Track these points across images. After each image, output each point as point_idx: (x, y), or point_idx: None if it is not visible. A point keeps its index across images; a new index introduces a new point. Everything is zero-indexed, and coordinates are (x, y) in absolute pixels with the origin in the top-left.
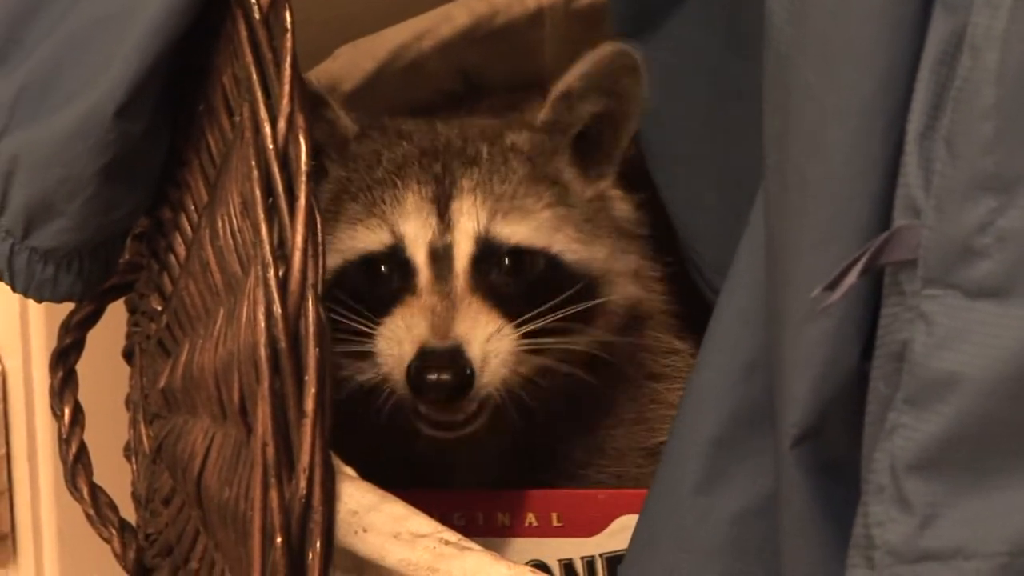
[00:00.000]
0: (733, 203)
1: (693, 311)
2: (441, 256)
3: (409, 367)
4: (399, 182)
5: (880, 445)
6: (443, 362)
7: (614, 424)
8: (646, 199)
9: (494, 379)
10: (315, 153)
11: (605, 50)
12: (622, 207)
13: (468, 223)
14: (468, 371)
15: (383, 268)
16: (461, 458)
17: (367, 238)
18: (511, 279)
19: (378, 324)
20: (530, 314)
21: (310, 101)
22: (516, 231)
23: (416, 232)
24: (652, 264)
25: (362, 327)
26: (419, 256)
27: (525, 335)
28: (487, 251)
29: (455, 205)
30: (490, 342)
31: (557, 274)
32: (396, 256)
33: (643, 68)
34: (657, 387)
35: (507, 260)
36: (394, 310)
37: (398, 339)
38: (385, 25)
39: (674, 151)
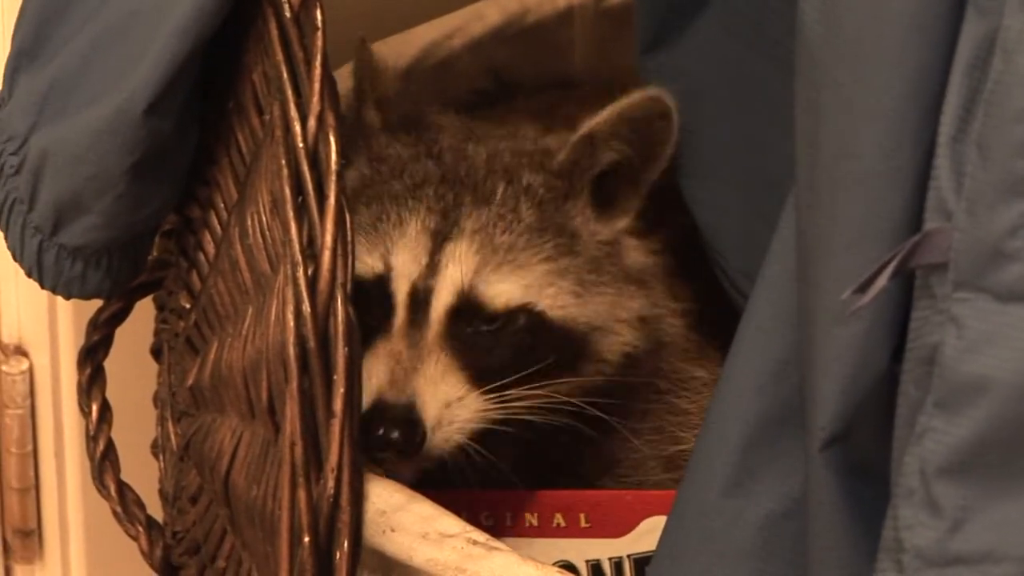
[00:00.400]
0: (759, 207)
1: (718, 335)
2: (421, 300)
3: (367, 412)
4: (411, 203)
5: (910, 448)
6: (395, 418)
7: (629, 436)
8: (663, 243)
9: (447, 444)
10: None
11: (636, 96)
12: (635, 255)
13: (455, 271)
14: (420, 432)
15: (368, 297)
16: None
17: (363, 259)
18: (488, 337)
19: None
20: (500, 379)
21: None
22: (502, 290)
23: (404, 266)
24: (667, 302)
25: None
26: (400, 293)
27: (494, 389)
28: (467, 306)
29: (449, 247)
30: (449, 407)
31: (539, 330)
32: (381, 288)
33: (675, 115)
34: (676, 401)
35: (486, 316)
36: (367, 347)
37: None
38: (416, 23)
39: (700, 156)
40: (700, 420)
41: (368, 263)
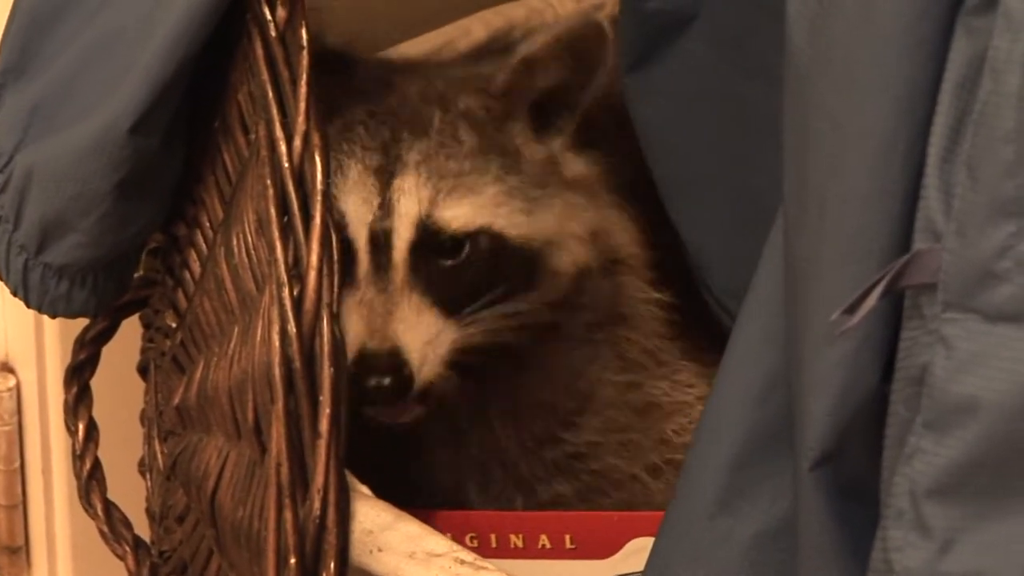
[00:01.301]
0: (744, 226)
1: (673, 261)
2: (381, 243)
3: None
4: (345, 146)
5: (900, 469)
6: (382, 366)
7: (596, 377)
8: (603, 158)
9: (432, 373)
10: None
11: (573, 20)
12: (575, 167)
13: (410, 205)
14: (408, 373)
15: None
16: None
17: None
18: (453, 263)
19: None
20: (471, 305)
21: None
22: (459, 214)
23: (357, 211)
24: (616, 215)
25: None
26: (360, 239)
27: (467, 315)
28: (428, 237)
29: (397, 183)
30: (431, 343)
31: (500, 250)
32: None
33: (610, 36)
34: (631, 336)
35: (448, 245)
36: None
37: None
38: (403, 39)
39: (684, 175)
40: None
41: None
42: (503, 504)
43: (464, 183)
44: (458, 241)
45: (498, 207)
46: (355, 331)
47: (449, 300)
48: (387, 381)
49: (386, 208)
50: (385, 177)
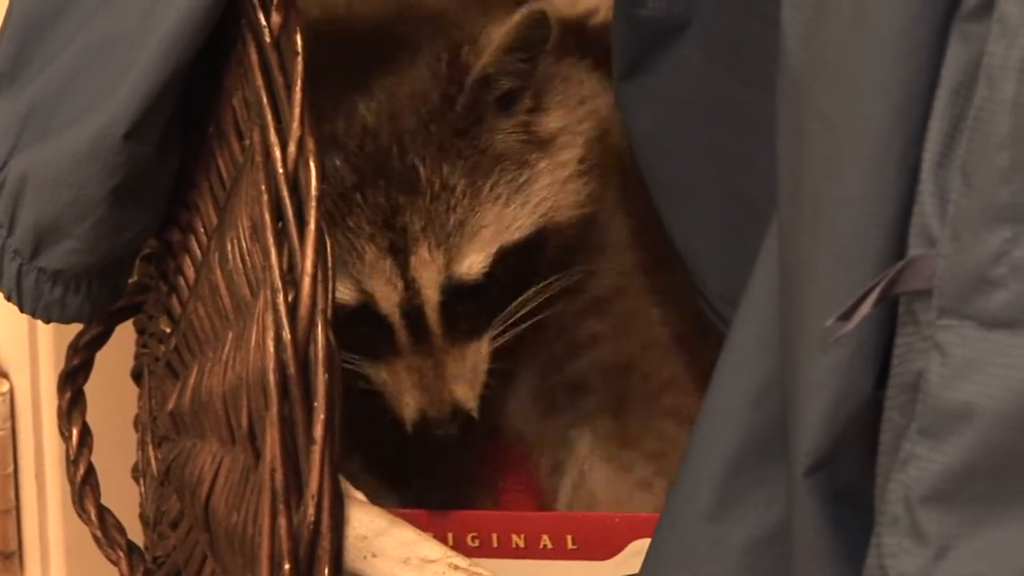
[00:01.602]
0: (738, 231)
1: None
2: (414, 316)
3: (415, 426)
4: (350, 222)
5: (894, 475)
6: (446, 422)
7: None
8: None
9: (482, 389)
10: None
11: (515, 20)
12: (545, 122)
13: (431, 276)
14: (469, 417)
15: (359, 318)
16: None
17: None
18: (480, 291)
19: (366, 360)
20: (501, 308)
21: None
22: (475, 258)
23: (383, 292)
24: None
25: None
26: (393, 316)
27: (497, 325)
28: (454, 289)
29: (413, 261)
30: (477, 374)
31: (517, 254)
32: (369, 310)
33: (551, 20)
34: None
35: (473, 284)
36: (381, 361)
37: (394, 394)
38: None
39: (678, 180)
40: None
41: (344, 290)
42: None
43: (469, 225)
44: (480, 281)
45: (504, 222)
46: (412, 397)
47: (484, 320)
48: (454, 430)
49: (410, 285)
50: (400, 257)
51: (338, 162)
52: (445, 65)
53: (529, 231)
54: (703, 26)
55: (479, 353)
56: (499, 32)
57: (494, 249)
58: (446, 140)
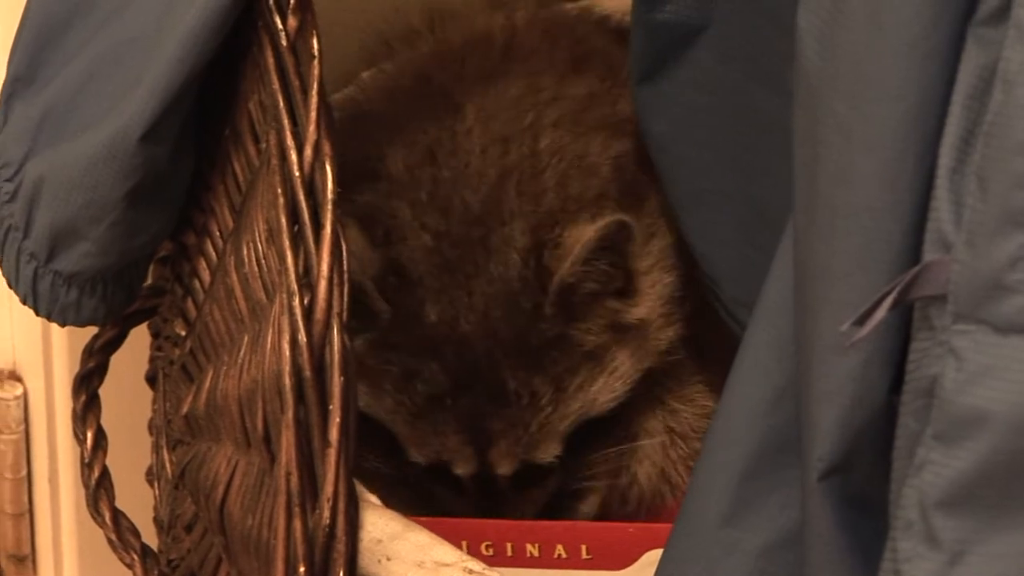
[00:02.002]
0: (754, 236)
1: None
2: (486, 481)
3: None
4: (433, 415)
5: (909, 481)
6: None
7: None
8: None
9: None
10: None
11: (595, 232)
12: (632, 312)
13: (508, 463)
14: None
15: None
16: None
17: (407, 447)
18: (553, 473)
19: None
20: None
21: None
22: (552, 448)
23: (459, 464)
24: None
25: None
26: (465, 479)
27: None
28: (527, 471)
29: (493, 452)
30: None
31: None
32: (440, 466)
33: (635, 230)
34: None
35: (548, 470)
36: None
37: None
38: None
39: (694, 185)
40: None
41: (420, 458)
42: None
43: (552, 423)
44: (553, 465)
45: (585, 408)
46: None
47: (553, 478)
48: None
49: (485, 465)
50: (478, 448)
51: (434, 366)
52: (532, 272)
53: (608, 408)
54: (720, 31)
55: (544, 495)
56: (579, 240)
57: (571, 431)
58: (537, 350)
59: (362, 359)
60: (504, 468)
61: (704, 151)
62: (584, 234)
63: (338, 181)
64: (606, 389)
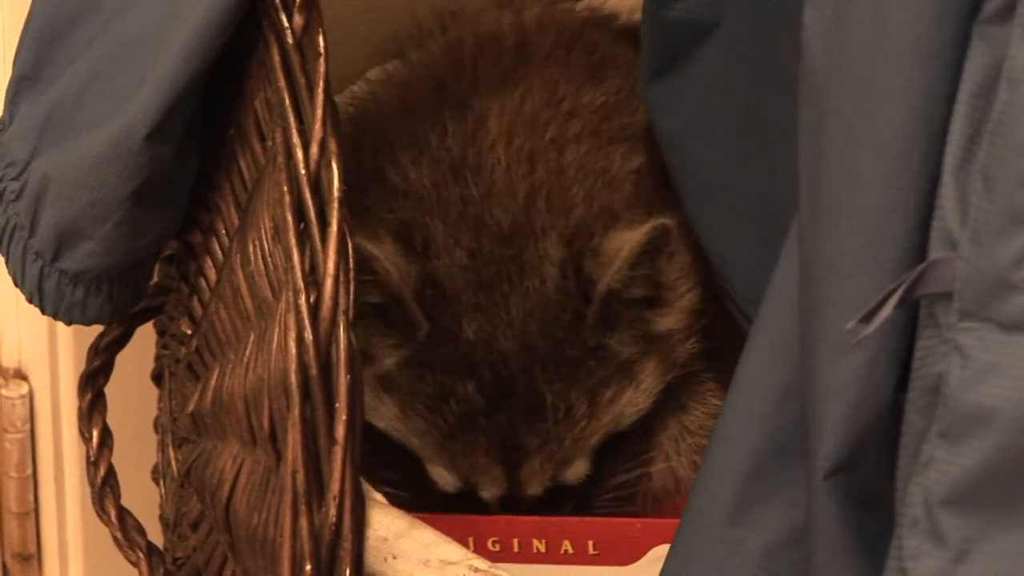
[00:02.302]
0: (765, 235)
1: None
2: (512, 505)
3: None
4: (465, 435)
5: (914, 478)
6: None
7: None
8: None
9: None
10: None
11: (641, 237)
12: (660, 322)
13: (538, 482)
14: None
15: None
16: None
17: (434, 470)
18: (575, 495)
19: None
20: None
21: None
22: (582, 466)
23: (487, 486)
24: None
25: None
26: (492, 501)
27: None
28: (553, 493)
29: (524, 470)
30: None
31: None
32: (466, 492)
33: (672, 230)
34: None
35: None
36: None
37: None
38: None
39: (705, 183)
40: None
41: (444, 475)
42: None
43: (584, 439)
44: (583, 483)
45: (614, 422)
46: None
47: (581, 498)
48: None
49: (515, 487)
50: (508, 468)
51: (470, 385)
52: (572, 282)
53: (631, 422)
54: (731, 29)
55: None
56: (623, 246)
57: (599, 445)
58: (574, 362)
59: (393, 378)
60: (534, 488)
61: (715, 148)
62: (627, 240)
63: (346, 184)
64: (633, 403)
